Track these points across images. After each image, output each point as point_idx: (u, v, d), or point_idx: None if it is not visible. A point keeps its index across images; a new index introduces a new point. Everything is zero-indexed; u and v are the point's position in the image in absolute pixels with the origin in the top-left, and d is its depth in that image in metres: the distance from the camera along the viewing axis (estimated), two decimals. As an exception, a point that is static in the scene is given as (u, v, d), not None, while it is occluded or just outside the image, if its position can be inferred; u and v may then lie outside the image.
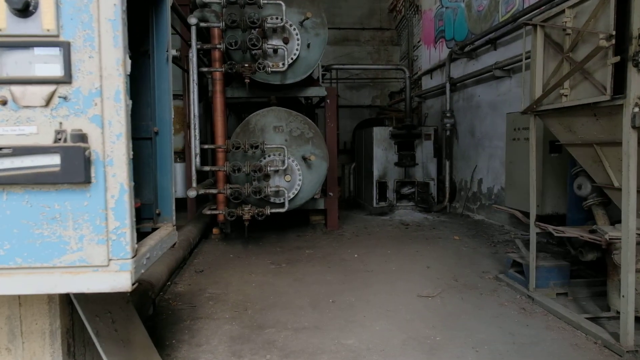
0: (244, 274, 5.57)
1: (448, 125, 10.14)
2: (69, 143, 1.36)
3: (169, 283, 5.23)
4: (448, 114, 10.09)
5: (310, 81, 8.05)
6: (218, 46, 6.12)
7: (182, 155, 9.53)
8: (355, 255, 6.39)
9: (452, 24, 10.66)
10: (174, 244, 2.08)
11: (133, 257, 1.48)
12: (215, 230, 7.66)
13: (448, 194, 10.19)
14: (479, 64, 9.22)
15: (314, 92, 8.03)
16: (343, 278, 5.36)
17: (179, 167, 9.86)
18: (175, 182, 8.55)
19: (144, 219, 2.07)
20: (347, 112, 15.91)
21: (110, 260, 1.45)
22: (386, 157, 10.30)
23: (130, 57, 1.46)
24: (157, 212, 2.03)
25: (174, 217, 2.17)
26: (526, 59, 4.57)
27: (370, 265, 5.87)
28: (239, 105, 10.56)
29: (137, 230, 1.79)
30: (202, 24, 6.13)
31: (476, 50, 9.32)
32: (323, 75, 11.23)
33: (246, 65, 6.21)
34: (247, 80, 6.31)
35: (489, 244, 7.01)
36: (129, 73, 1.45)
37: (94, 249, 1.44)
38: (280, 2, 6.20)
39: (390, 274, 5.52)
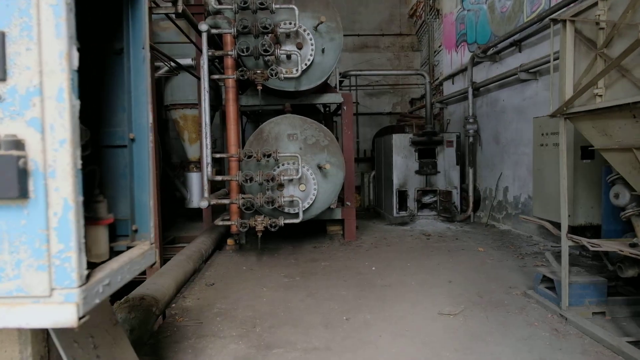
0: (255, 288, 5.34)
1: (471, 131, 9.76)
2: (1, 151, 1.16)
3: (178, 296, 5.04)
4: (471, 120, 9.71)
5: (326, 88, 7.84)
6: (230, 53, 5.97)
7: (199, 164, 9.44)
8: (373, 268, 6.08)
9: (474, 26, 10.31)
10: (153, 264, 1.86)
11: (81, 286, 1.25)
12: (229, 241, 7.48)
13: (472, 203, 9.77)
14: (503, 67, 8.84)
15: (330, 98, 7.82)
16: (359, 293, 5.07)
17: (195, 177, 9.78)
18: (192, 192, 8.35)
19: (120, 237, 1.87)
20: (366, 120, 15.67)
21: (52, 289, 1.22)
22: (406, 165, 9.98)
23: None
24: (133, 228, 1.83)
25: (153, 234, 1.96)
26: (555, 59, 4.24)
27: (388, 279, 5.56)
28: (256, 113, 10.44)
29: (111, 249, 1.57)
30: (214, 31, 6.00)
31: (500, 53, 8.95)
32: (341, 82, 11.03)
33: (258, 71, 6.04)
34: (259, 87, 6.14)
35: (516, 256, 6.59)
36: (75, 68, 1.23)
37: (34, 276, 1.22)
38: (294, 6, 6.02)
39: (409, 288, 5.19)
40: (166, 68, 8.95)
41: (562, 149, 4.01)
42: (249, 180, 5.95)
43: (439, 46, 13.06)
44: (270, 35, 6.18)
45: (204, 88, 5.83)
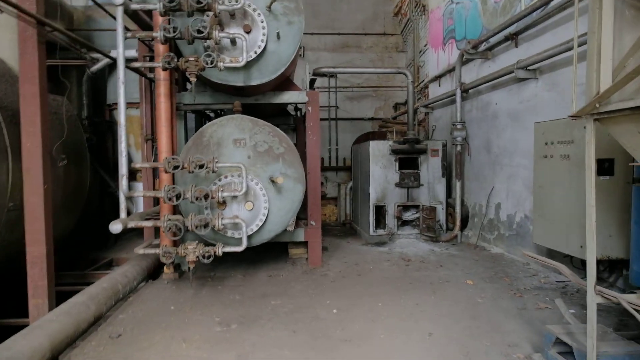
0: (173, 343, 4.01)
1: (459, 139, 8.56)
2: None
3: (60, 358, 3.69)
4: (459, 126, 8.52)
5: (287, 84, 6.56)
6: (155, 34, 4.65)
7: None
8: (334, 311, 4.78)
9: (463, 21, 9.15)
10: None
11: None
12: (166, 269, 6.11)
13: (459, 220, 8.55)
14: (496, 65, 7.67)
15: (292, 97, 6.55)
16: (308, 354, 3.77)
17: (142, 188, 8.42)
18: (137, 204, 6.89)
19: None
20: (347, 125, 14.44)
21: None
22: (385, 176, 8.73)
23: None
24: None
25: None
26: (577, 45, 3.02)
27: (351, 329, 4.27)
28: (217, 114, 9.15)
29: None
30: (135, 6, 4.68)
31: (492, 49, 7.79)
32: (312, 81, 9.79)
33: (191, 59, 4.74)
34: (192, 79, 4.84)
35: (513, 292, 5.35)
36: None
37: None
38: (238, -22, 4.76)
39: (375, 345, 3.91)
40: (106, 61, 7.62)
41: (590, 163, 2.77)
42: (174, 198, 4.63)
43: (425, 45, 11.91)
44: (210, 15, 4.90)
45: (119, 79, 4.51)
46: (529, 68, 6.50)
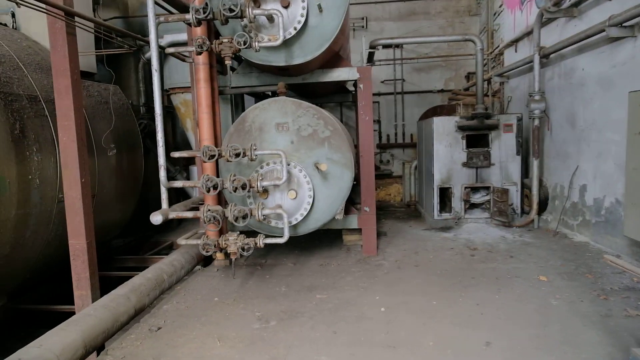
0: (208, 340, 3.88)
1: (537, 111, 7.54)
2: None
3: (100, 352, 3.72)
4: (537, 97, 7.49)
5: (336, 60, 6.09)
6: (187, 17, 4.41)
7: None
8: (382, 310, 4.39)
9: (543, -25, 7.94)
10: None
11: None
12: (219, 255, 6.06)
13: (536, 203, 7.63)
14: (583, 23, 6.54)
15: (342, 74, 6.07)
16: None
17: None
18: (195, 188, 6.89)
19: None
20: (414, 99, 13.59)
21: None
22: (451, 155, 7.99)
23: None
24: None
25: None
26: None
27: (397, 334, 3.86)
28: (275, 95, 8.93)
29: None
30: (165, -13, 4.47)
31: (579, 5, 6.64)
32: (370, 55, 9.17)
33: (225, 41, 4.45)
34: (227, 63, 4.57)
35: (596, 293, 4.58)
36: None
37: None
38: (271, -54, 4.34)
39: (419, 357, 3.47)
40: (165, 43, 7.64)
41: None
42: (212, 189, 4.45)
43: (500, 6, 10.67)
44: (243, -10, 4.56)
45: (153, 66, 4.35)
46: (624, 24, 5.41)
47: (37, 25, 5.47)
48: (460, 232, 7.57)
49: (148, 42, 5.84)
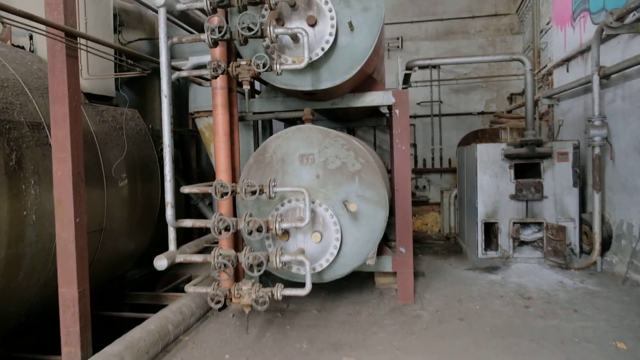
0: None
1: (597, 138, 6.65)
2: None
3: None
4: (597, 122, 6.62)
5: (369, 84, 5.48)
6: (202, 37, 3.92)
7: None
8: (422, 382, 3.63)
9: (601, -13, 7.15)
10: None
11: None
12: (234, 299, 5.44)
13: (599, 243, 6.66)
14: (654, 39, 5.70)
15: (376, 98, 5.44)
16: None
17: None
18: None
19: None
20: (452, 122, 12.83)
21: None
22: (497, 186, 7.17)
23: None
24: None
25: None
26: None
27: (443, 422, 3.09)
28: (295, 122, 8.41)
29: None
30: (180, 6, 4.00)
31: (648, 19, 5.82)
32: (406, 76, 8.53)
33: (243, 63, 3.92)
34: (245, 87, 4.03)
35: (693, 370, 3.66)
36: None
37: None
38: (296, -43, 3.82)
39: None
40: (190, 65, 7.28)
41: None
42: (223, 230, 3.87)
43: (547, 23, 9.85)
44: (264, 7, 4.05)
45: (163, 91, 3.88)
46: None
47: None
48: (509, 274, 6.68)
49: (153, 61, 5.44)
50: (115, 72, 6.06)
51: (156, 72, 6.70)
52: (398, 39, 13.01)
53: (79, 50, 3.59)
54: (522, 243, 7.26)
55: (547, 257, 6.97)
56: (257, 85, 7.62)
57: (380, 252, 5.51)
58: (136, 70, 4.72)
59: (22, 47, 5.30)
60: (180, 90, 8.36)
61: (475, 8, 12.78)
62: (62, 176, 3.52)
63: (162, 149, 7.46)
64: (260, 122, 7.92)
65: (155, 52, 7.44)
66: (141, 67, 4.81)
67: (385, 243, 6.07)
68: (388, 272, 5.85)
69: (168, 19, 5.22)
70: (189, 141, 8.49)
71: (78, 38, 3.56)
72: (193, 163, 8.53)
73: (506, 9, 12.66)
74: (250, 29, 3.76)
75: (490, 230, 7.36)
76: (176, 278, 7.45)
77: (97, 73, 5.23)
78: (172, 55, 7.54)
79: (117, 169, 5.07)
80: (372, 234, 4.51)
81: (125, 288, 6.70)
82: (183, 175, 8.34)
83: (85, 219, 3.69)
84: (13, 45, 5.03)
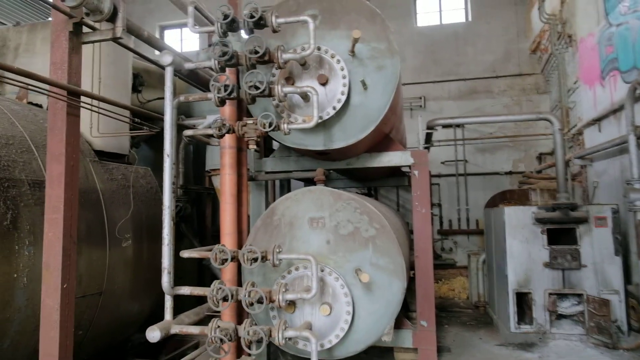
0: None
1: (639, 203, 6.11)
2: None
3: None
4: (637, 185, 6.11)
5: (386, 143, 5.25)
6: (209, 96, 3.81)
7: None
8: None
9: (630, 46, 6.90)
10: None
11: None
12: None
13: (648, 320, 5.93)
14: (695, 98, 5.31)
15: (394, 159, 5.18)
16: None
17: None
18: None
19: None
20: (478, 181, 12.39)
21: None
22: (529, 252, 6.61)
23: None
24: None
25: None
26: None
27: None
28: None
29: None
30: (189, 65, 3.94)
31: (686, 77, 5.47)
32: (428, 135, 8.31)
33: (249, 122, 3.76)
34: (251, 147, 3.84)
35: None
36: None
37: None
38: (306, 18, 3.74)
39: None
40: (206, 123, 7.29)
41: None
42: (219, 302, 3.52)
43: (575, 82, 9.59)
44: (274, 66, 3.95)
45: (165, 150, 3.72)
46: None
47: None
48: (548, 352, 5.97)
49: (157, 117, 5.39)
50: (131, 130, 6.07)
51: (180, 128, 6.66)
52: (421, 98, 12.97)
53: (80, 108, 3.51)
54: (560, 316, 6.55)
55: (590, 335, 6.23)
56: (275, 145, 7.54)
57: (399, 324, 5.00)
58: (145, 129, 4.64)
59: (40, 105, 5.37)
60: (198, 147, 8.36)
61: (498, 68, 12.72)
62: (53, 239, 3.32)
63: (176, 207, 7.37)
64: (278, 182, 7.75)
65: (179, 110, 7.57)
66: (149, 125, 4.74)
67: (406, 313, 5.56)
68: (409, 347, 5.29)
69: (183, 79, 5.23)
70: (205, 199, 8.36)
71: (81, 97, 3.50)
72: (208, 221, 8.34)
73: (530, 69, 12.54)
74: (257, 87, 3.62)
75: (523, 300, 6.71)
76: (184, 343, 7.01)
77: (110, 131, 5.20)
78: (190, 114, 7.64)
79: (121, 228, 4.88)
80: (387, 306, 4.06)
81: (127, 354, 6.32)
82: (198, 234, 8.13)
83: (74, 285, 3.43)
84: (30, 103, 5.09)
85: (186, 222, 7.66)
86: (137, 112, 4.77)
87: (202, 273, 8.35)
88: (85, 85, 4.17)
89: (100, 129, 4.90)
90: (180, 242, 7.41)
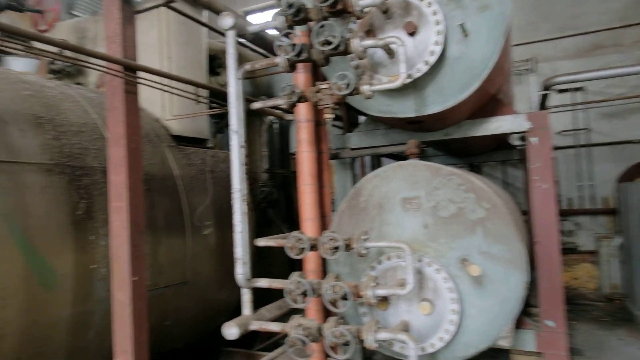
0: None
1: None
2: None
3: None
4: None
5: (493, 106, 4.33)
6: (276, 61, 3.30)
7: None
8: None
9: None
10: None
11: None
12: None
13: None
14: None
15: (503, 124, 4.25)
16: None
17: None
18: None
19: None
20: (605, 152, 10.52)
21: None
22: (687, 235, 5.22)
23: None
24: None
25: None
26: None
27: None
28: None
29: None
30: (253, 27, 3.46)
31: None
32: (543, 97, 7.03)
33: (322, 86, 3.18)
34: (326, 116, 3.25)
35: None
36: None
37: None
38: (387, -49, 3.03)
39: None
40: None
41: None
42: (301, 297, 3.03)
43: None
44: (351, 19, 3.32)
45: (230, 126, 3.30)
46: None
47: (146, 90, 5.05)
48: None
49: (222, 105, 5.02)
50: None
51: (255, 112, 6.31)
52: (528, 61, 11.31)
53: (137, 85, 3.22)
54: None
55: None
56: (361, 120, 6.92)
57: (518, 323, 4.14)
58: (217, 107, 4.30)
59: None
60: (281, 129, 8.03)
61: (630, 15, 10.56)
62: (119, 228, 3.09)
63: (261, 192, 7.13)
64: (369, 161, 7.11)
65: (256, 92, 7.27)
66: (219, 102, 4.40)
67: (524, 309, 4.64)
68: (530, 351, 4.39)
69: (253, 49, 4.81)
70: (291, 183, 8.04)
71: (137, 72, 3.20)
72: (296, 206, 8.01)
73: (672, 12, 10.26)
74: (329, 42, 3.01)
75: (680, 295, 5.35)
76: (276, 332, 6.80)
77: (189, 112, 4.99)
78: (272, 94, 7.28)
79: (201, 215, 4.65)
80: (503, 304, 3.26)
81: (219, 344, 6.23)
82: (286, 219, 7.85)
83: (145, 277, 3.19)
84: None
85: (274, 207, 7.39)
86: (213, 89, 4.45)
87: (295, 260, 8.09)
88: (154, 66, 3.92)
89: (174, 112, 4.68)
90: (269, 229, 7.16)
